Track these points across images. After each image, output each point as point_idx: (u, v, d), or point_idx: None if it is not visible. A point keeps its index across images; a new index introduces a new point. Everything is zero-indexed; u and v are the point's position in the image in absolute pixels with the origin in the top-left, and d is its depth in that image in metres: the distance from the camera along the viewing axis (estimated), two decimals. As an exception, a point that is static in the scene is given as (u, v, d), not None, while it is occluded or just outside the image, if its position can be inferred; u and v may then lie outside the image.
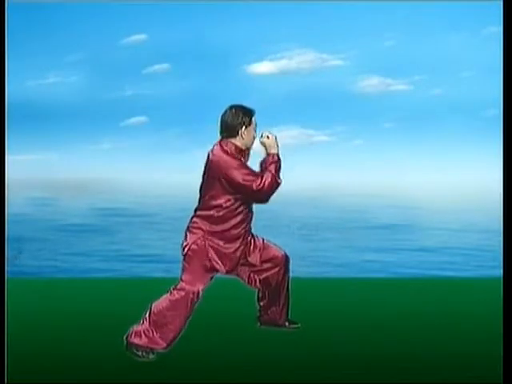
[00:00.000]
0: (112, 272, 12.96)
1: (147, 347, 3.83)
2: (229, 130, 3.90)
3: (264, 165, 3.93)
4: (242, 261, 4.08)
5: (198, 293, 3.90)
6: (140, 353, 3.82)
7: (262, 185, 3.80)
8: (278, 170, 3.89)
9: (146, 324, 3.87)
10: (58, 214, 27.70)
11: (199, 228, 3.94)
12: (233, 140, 3.91)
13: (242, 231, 4.00)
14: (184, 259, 3.95)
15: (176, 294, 3.89)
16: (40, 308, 4.92)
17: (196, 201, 4.03)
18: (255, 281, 4.16)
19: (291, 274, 4.27)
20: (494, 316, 4.12)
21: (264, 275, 4.15)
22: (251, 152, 4.07)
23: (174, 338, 3.88)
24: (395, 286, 5.98)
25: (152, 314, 3.88)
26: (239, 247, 4.01)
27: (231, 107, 3.93)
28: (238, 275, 4.14)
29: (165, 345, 3.85)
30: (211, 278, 3.99)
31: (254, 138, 4.00)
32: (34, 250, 16.04)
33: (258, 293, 4.31)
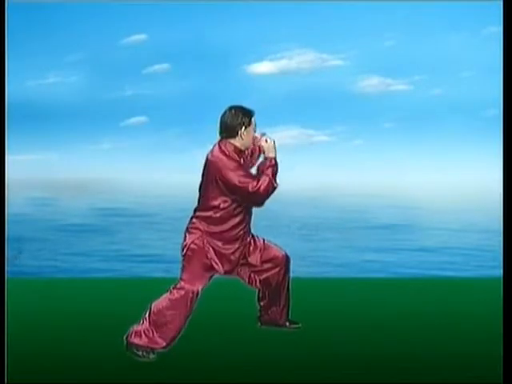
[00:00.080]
0: (112, 272, 12.96)
1: (147, 347, 3.83)
2: (228, 130, 3.90)
3: (261, 168, 3.93)
4: (242, 261, 4.09)
5: (198, 292, 3.91)
6: (140, 353, 3.83)
7: (257, 187, 3.80)
8: (274, 173, 3.89)
9: (146, 324, 3.88)
10: (57, 214, 27.69)
11: (198, 228, 3.95)
12: (232, 141, 3.91)
13: (241, 232, 4.00)
14: (183, 259, 3.96)
15: (176, 294, 3.89)
16: (40, 308, 4.92)
17: (196, 201, 4.03)
18: (255, 281, 4.17)
19: (291, 274, 4.28)
20: (494, 316, 4.12)
21: (264, 275, 4.15)
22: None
23: (174, 338, 3.88)
24: (395, 286, 5.98)
25: (152, 314, 3.89)
26: (238, 248, 4.02)
27: (231, 108, 3.93)
28: (238, 275, 4.14)
29: (165, 344, 3.86)
30: (210, 277, 4.00)
31: (254, 138, 4.01)
32: (34, 250, 16.04)
33: (259, 293, 4.31)
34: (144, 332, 3.86)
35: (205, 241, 3.93)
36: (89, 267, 13.64)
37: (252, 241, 4.11)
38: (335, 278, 8.63)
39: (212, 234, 3.94)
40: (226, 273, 4.03)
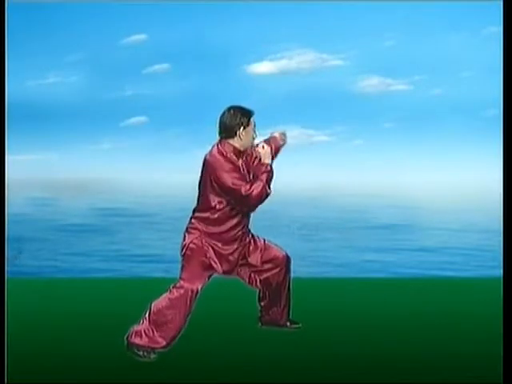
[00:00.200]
0: (112, 272, 12.96)
1: (148, 347, 3.83)
2: (227, 130, 3.91)
3: (256, 173, 3.93)
4: (242, 261, 4.09)
5: (197, 291, 3.92)
6: (141, 353, 3.83)
7: (250, 191, 3.79)
8: (268, 179, 3.88)
9: (146, 323, 3.88)
10: (57, 214, 27.69)
11: (197, 228, 3.96)
12: (231, 141, 3.92)
13: (239, 233, 4.00)
14: (183, 259, 3.97)
15: (175, 293, 3.90)
16: (40, 308, 4.92)
17: (195, 201, 4.04)
18: (256, 281, 4.17)
19: (291, 274, 4.28)
20: (494, 316, 4.12)
21: (264, 275, 4.15)
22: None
23: (175, 337, 3.89)
24: (395, 286, 5.97)
25: (152, 314, 3.89)
26: (237, 249, 4.02)
27: (230, 108, 3.93)
28: (238, 275, 4.15)
29: (165, 343, 3.86)
30: (209, 276, 4.01)
31: (254, 138, 4.01)
32: (34, 250, 16.03)
33: (259, 293, 4.31)
34: (144, 332, 3.87)
35: (203, 240, 3.94)
36: (89, 267, 13.64)
37: (252, 241, 4.12)
38: (335, 278, 8.63)
39: (211, 235, 3.95)
40: (224, 273, 4.04)
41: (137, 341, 3.86)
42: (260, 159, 3.96)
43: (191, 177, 4.03)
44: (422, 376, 3.55)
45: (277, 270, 4.16)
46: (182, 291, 3.90)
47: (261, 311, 4.37)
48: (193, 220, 4.00)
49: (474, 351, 3.92)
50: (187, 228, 4.00)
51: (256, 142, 4.06)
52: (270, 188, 3.87)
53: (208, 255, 3.94)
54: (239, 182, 3.81)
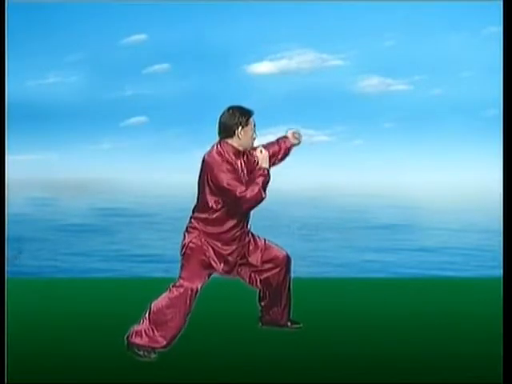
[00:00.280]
0: (112, 272, 12.95)
1: (148, 346, 3.84)
2: (225, 130, 3.91)
3: (252, 177, 3.92)
4: (241, 261, 4.09)
5: (197, 289, 3.93)
6: (142, 352, 3.83)
7: (245, 193, 3.79)
8: (264, 183, 3.88)
9: (146, 323, 3.88)
10: (57, 214, 27.68)
11: (196, 228, 3.97)
12: (230, 141, 3.92)
13: (238, 234, 4.01)
14: (182, 258, 3.98)
15: (175, 292, 3.91)
16: (40, 308, 4.93)
17: (195, 201, 4.04)
18: (256, 281, 4.17)
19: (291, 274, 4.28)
20: (494, 316, 4.12)
21: (265, 275, 4.15)
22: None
23: (175, 336, 3.89)
24: (395, 286, 5.98)
25: (152, 313, 3.90)
26: (235, 249, 4.02)
27: (229, 108, 3.94)
28: (238, 275, 4.15)
29: (165, 343, 3.86)
30: (209, 275, 4.01)
31: (254, 138, 4.01)
32: (34, 250, 16.03)
33: (259, 293, 4.31)
34: (145, 331, 3.87)
35: (203, 239, 3.95)
36: (89, 267, 13.63)
37: (252, 241, 4.12)
38: (335, 278, 8.63)
39: (210, 235, 3.95)
40: (225, 272, 4.04)
41: (137, 340, 3.86)
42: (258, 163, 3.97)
43: (191, 177, 4.03)
44: (422, 376, 3.55)
45: (277, 269, 4.16)
46: (181, 290, 3.90)
47: (261, 311, 4.37)
48: (192, 220, 4.01)
49: (474, 351, 3.92)
50: (187, 228, 4.01)
51: (259, 143, 4.06)
52: (265, 192, 3.87)
53: (207, 254, 3.94)
54: (235, 183, 3.81)
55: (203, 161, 3.93)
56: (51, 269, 13.41)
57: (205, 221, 3.95)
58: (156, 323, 3.87)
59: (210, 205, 3.91)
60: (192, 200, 4.06)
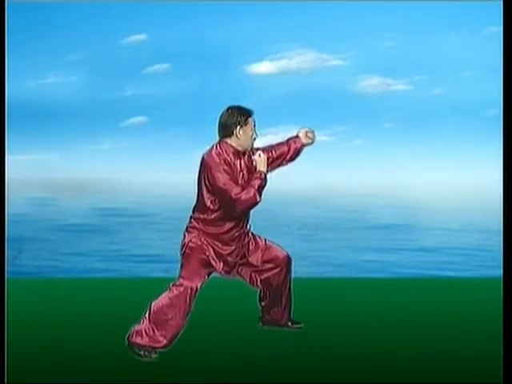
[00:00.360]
0: (112, 272, 12.95)
1: (149, 346, 3.84)
2: (224, 129, 3.92)
3: (249, 180, 3.91)
4: (242, 261, 4.09)
5: (197, 288, 3.93)
6: (142, 352, 3.83)
7: (240, 195, 3.79)
8: (260, 187, 3.87)
9: (147, 323, 3.89)
10: (57, 214, 27.67)
11: (196, 228, 3.98)
12: (228, 140, 3.92)
13: (237, 234, 4.01)
14: (182, 257, 3.99)
15: (175, 291, 3.91)
16: (40, 308, 4.93)
17: (195, 200, 4.04)
18: (256, 281, 4.17)
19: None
20: (494, 316, 4.12)
21: (265, 275, 4.15)
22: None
23: (175, 336, 3.89)
24: (395, 286, 5.98)
25: (152, 313, 3.90)
26: (234, 250, 4.02)
27: (228, 108, 3.94)
28: (239, 275, 4.15)
29: (166, 342, 3.86)
30: (209, 274, 4.01)
31: (255, 138, 4.00)
32: (34, 250, 16.02)
33: (260, 293, 4.31)
34: (145, 331, 3.87)
35: (203, 239, 3.95)
36: (89, 267, 13.62)
37: (253, 241, 4.12)
38: (335, 278, 8.63)
39: (209, 235, 3.96)
40: (223, 272, 4.04)
41: (138, 340, 3.86)
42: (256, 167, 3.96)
43: (191, 177, 4.03)
44: (422, 376, 3.55)
45: (277, 269, 4.16)
46: (181, 289, 3.91)
47: (262, 311, 4.37)
48: (192, 220, 4.02)
49: (474, 351, 3.92)
50: (187, 227, 4.02)
51: (259, 143, 4.06)
52: (260, 196, 3.86)
53: (207, 253, 3.95)
54: (230, 184, 3.80)
55: (202, 160, 3.93)
56: (51, 269, 13.41)
57: (204, 221, 3.95)
58: (156, 323, 3.87)
59: (208, 205, 3.91)
60: (192, 200, 4.06)
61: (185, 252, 3.97)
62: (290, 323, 4.35)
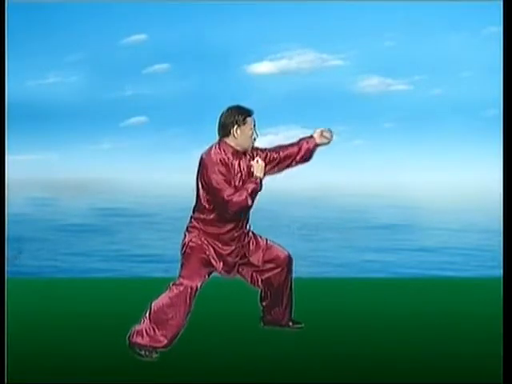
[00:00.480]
0: (112, 272, 12.95)
1: (150, 346, 3.84)
2: (222, 128, 3.92)
3: (244, 183, 3.91)
4: (243, 261, 4.09)
5: (197, 288, 3.93)
6: (143, 352, 3.84)
7: (232, 196, 3.79)
8: (253, 191, 3.86)
9: (147, 322, 3.89)
10: (57, 214, 27.66)
11: (196, 227, 3.98)
12: (227, 140, 3.92)
13: (237, 234, 4.01)
14: (182, 257, 3.99)
15: (175, 290, 3.91)
16: (40, 308, 4.93)
17: (195, 200, 4.05)
18: (257, 281, 4.18)
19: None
20: (494, 316, 4.12)
21: (266, 275, 4.15)
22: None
23: (176, 335, 3.89)
24: (395, 286, 5.98)
25: (152, 312, 3.90)
26: (234, 250, 4.03)
27: (228, 108, 3.94)
28: (240, 275, 4.16)
29: (166, 342, 3.87)
30: (209, 274, 4.02)
31: (255, 139, 3.99)
32: (34, 250, 16.02)
33: (261, 293, 4.31)
34: (145, 331, 3.87)
35: (203, 238, 3.95)
36: (89, 267, 13.62)
37: (254, 240, 4.12)
38: (335, 278, 8.63)
39: (209, 234, 3.96)
40: (223, 272, 4.04)
41: (138, 340, 3.86)
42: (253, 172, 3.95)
43: (191, 177, 4.03)
44: (422, 376, 3.55)
45: (278, 269, 4.16)
46: (181, 288, 3.91)
47: (263, 311, 4.37)
48: (192, 219, 4.02)
49: (474, 351, 3.92)
50: (187, 227, 4.03)
51: (258, 143, 4.05)
52: (252, 200, 3.85)
53: (208, 253, 3.95)
54: (224, 185, 3.81)
55: (200, 160, 3.94)
56: (51, 269, 13.40)
57: (204, 221, 3.96)
58: (157, 322, 3.88)
59: (204, 204, 3.91)
60: (192, 200, 4.06)
61: (185, 251, 3.97)
62: (290, 323, 4.35)
